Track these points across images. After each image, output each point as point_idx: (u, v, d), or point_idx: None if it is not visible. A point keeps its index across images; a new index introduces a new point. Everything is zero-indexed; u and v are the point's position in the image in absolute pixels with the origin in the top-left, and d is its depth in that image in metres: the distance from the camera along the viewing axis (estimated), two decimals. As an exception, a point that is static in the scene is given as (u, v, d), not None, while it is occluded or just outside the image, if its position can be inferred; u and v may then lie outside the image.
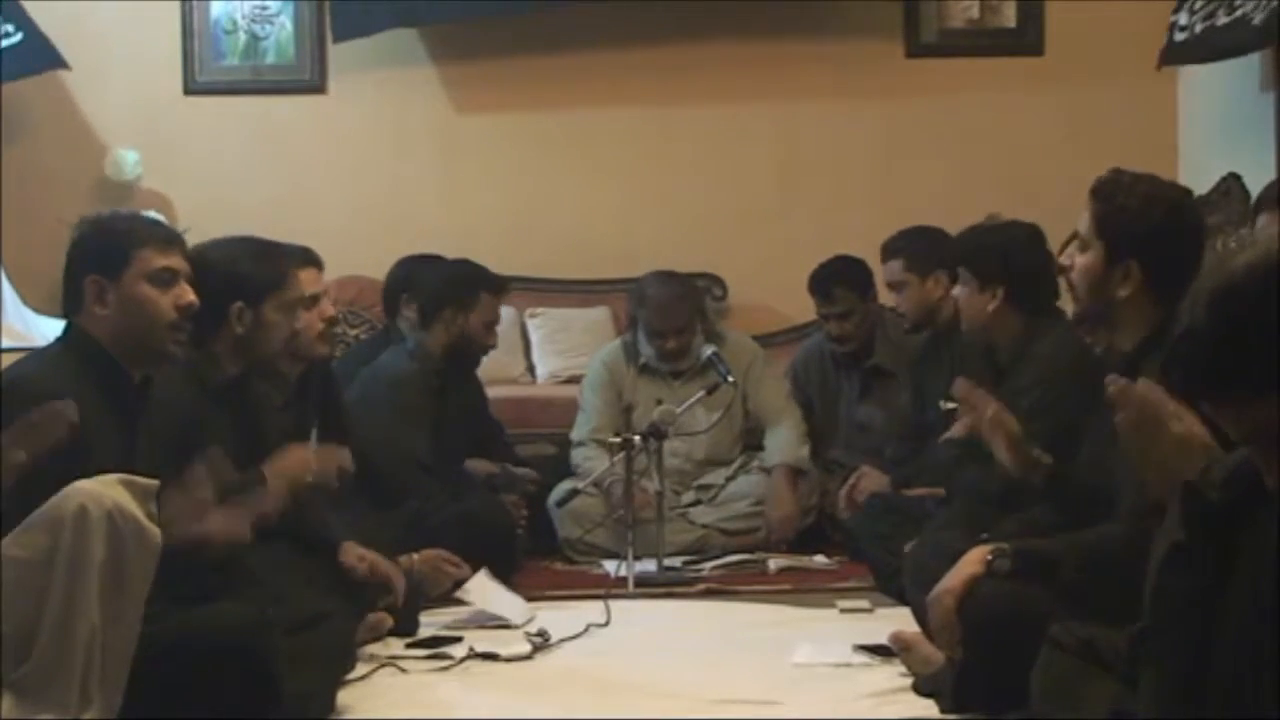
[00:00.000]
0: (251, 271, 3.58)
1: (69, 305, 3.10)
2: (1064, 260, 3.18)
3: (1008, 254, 3.99)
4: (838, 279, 5.38)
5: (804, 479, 5.31)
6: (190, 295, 3.10)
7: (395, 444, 4.71)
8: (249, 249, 3.66)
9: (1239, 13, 5.15)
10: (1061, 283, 3.31)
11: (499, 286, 5.14)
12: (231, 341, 3.54)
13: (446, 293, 4.99)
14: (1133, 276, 2.98)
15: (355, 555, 3.81)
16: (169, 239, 3.14)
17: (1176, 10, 5.66)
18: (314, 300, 4.07)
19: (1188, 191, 3.14)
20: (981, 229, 4.30)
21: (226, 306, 3.51)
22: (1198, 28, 5.43)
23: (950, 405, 4.64)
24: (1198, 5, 5.43)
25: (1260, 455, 1.93)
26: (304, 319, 3.92)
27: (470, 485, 4.99)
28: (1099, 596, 2.72)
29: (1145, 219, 3.00)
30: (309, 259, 4.13)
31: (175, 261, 3.10)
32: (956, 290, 4.13)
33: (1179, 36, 5.61)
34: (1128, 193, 3.03)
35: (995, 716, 2.99)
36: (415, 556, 4.24)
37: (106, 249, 3.07)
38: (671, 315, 5.36)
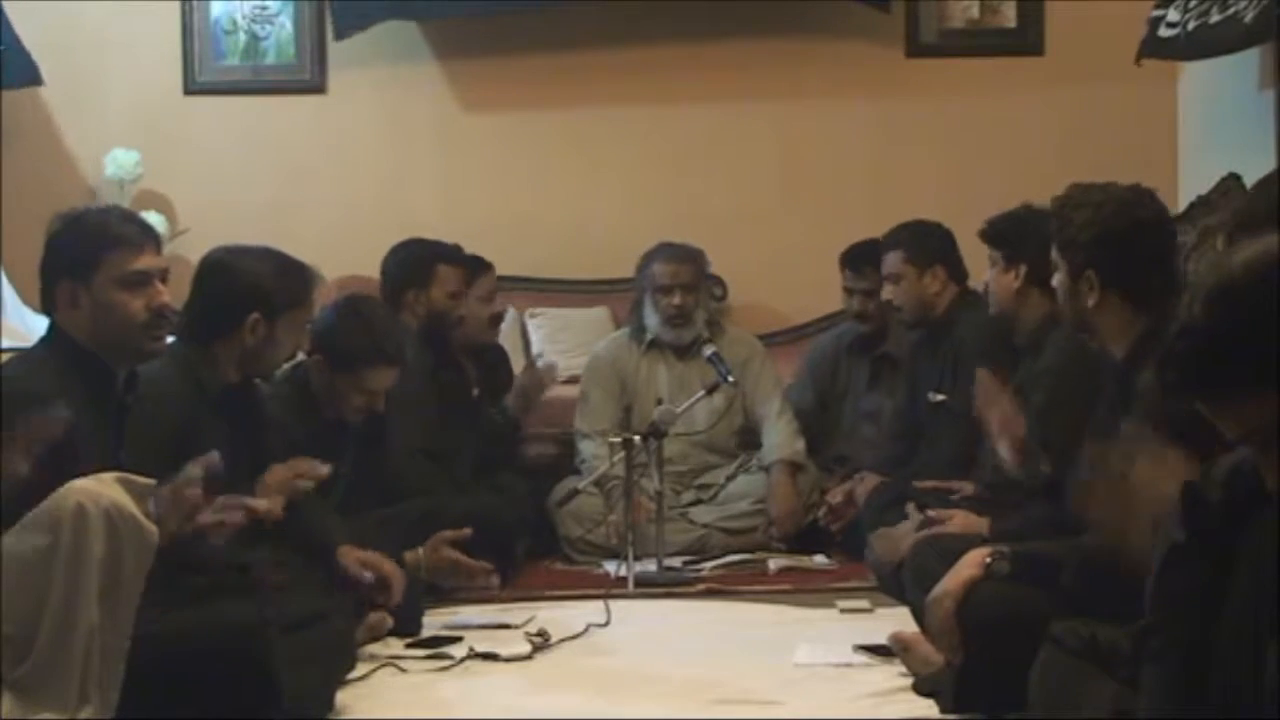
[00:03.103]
0: (275, 286, 3.58)
1: (46, 305, 3.08)
2: (1053, 282, 3.23)
3: (1029, 233, 4.00)
4: (872, 257, 5.25)
5: (803, 474, 5.32)
6: (164, 296, 3.04)
7: (396, 439, 4.68)
8: (276, 263, 3.66)
9: (1231, 10, 5.15)
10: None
11: (451, 256, 5.12)
12: (238, 350, 3.53)
13: (402, 276, 5.01)
14: (1094, 286, 3.06)
15: (354, 559, 3.77)
16: (141, 239, 3.04)
17: (1162, 5, 5.64)
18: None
19: (1143, 191, 3.16)
20: (1008, 212, 4.29)
21: (243, 315, 3.51)
22: (1190, 25, 5.42)
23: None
24: (1191, 3, 5.42)
25: (1259, 454, 1.93)
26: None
27: (476, 477, 4.98)
28: (1097, 599, 2.72)
29: (1090, 227, 3.07)
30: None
31: (147, 262, 3.03)
32: (987, 273, 4.20)
33: (1166, 32, 5.60)
34: (1076, 205, 3.11)
35: (995, 717, 2.99)
36: (421, 551, 4.19)
37: (77, 253, 3.01)
38: (679, 272, 5.44)
